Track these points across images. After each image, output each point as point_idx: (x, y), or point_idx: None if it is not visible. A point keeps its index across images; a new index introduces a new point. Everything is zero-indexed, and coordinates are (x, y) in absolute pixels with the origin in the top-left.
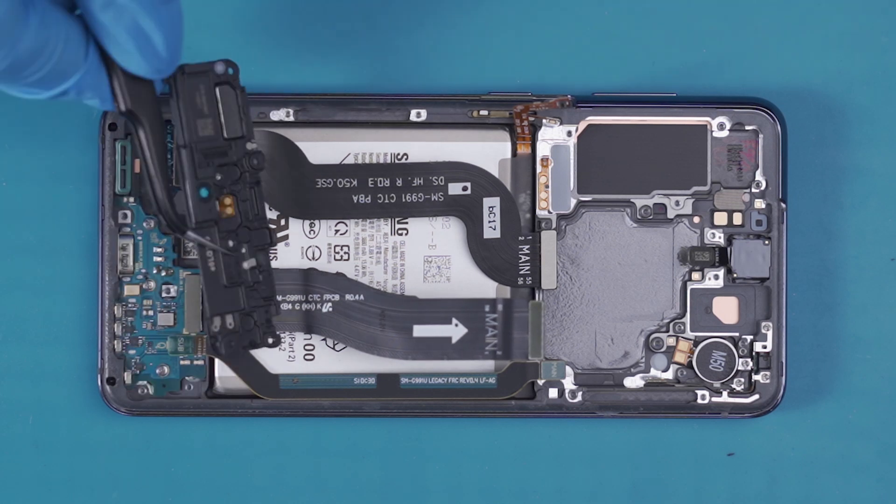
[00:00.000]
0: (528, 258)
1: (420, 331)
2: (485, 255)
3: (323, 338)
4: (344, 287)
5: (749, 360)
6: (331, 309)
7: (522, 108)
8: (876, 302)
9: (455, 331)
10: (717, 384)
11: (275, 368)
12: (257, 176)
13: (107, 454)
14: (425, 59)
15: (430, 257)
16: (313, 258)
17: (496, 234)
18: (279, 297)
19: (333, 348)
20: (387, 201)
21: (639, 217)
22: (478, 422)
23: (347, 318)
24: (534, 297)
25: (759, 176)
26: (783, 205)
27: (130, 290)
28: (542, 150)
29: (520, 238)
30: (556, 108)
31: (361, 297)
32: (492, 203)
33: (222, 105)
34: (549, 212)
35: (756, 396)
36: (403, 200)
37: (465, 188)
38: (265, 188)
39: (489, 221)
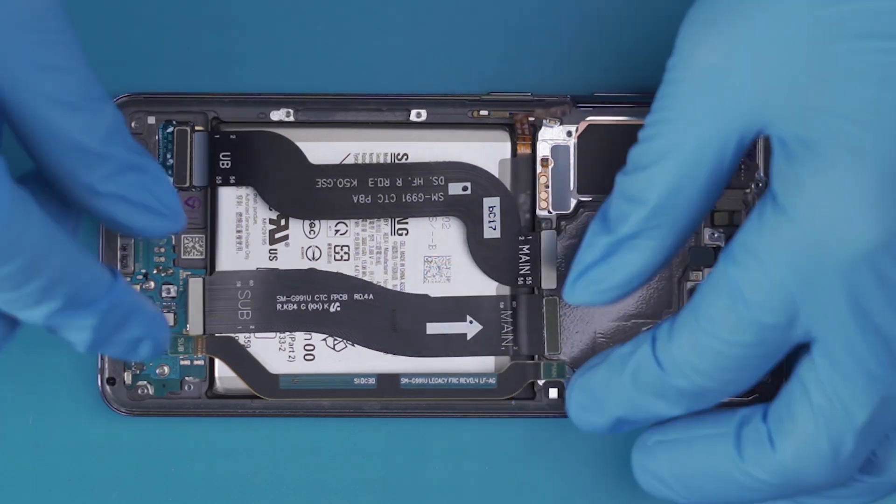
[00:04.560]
0: (528, 258)
1: (434, 328)
2: (485, 255)
3: (323, 338)
4: (353, 287)
5: None
6: (339, 308)
7: (522, 116)
8: None
9: (470, 328)
10: None
11: (275, 368)
12: None
13: (107, 454)
14: (425, 59)
15: (430, 257)
16: (313, 258)
17: (496, 234)
18: (283, 297)
19: (333, 348)
20: (387, 201)
21: None
22: (478, 422)
23: (357, 318)
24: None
25: (758, 176)
26: None
27: None
28: (542, 150)
29: (520, 238)
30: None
31: (371, 296)
32: (492, 203)
33: None
34: (549, 212)
35: (755, 396)
36: (403, 200)
37: (465, 188)
38: (265, 188)
39: (489, 221)
